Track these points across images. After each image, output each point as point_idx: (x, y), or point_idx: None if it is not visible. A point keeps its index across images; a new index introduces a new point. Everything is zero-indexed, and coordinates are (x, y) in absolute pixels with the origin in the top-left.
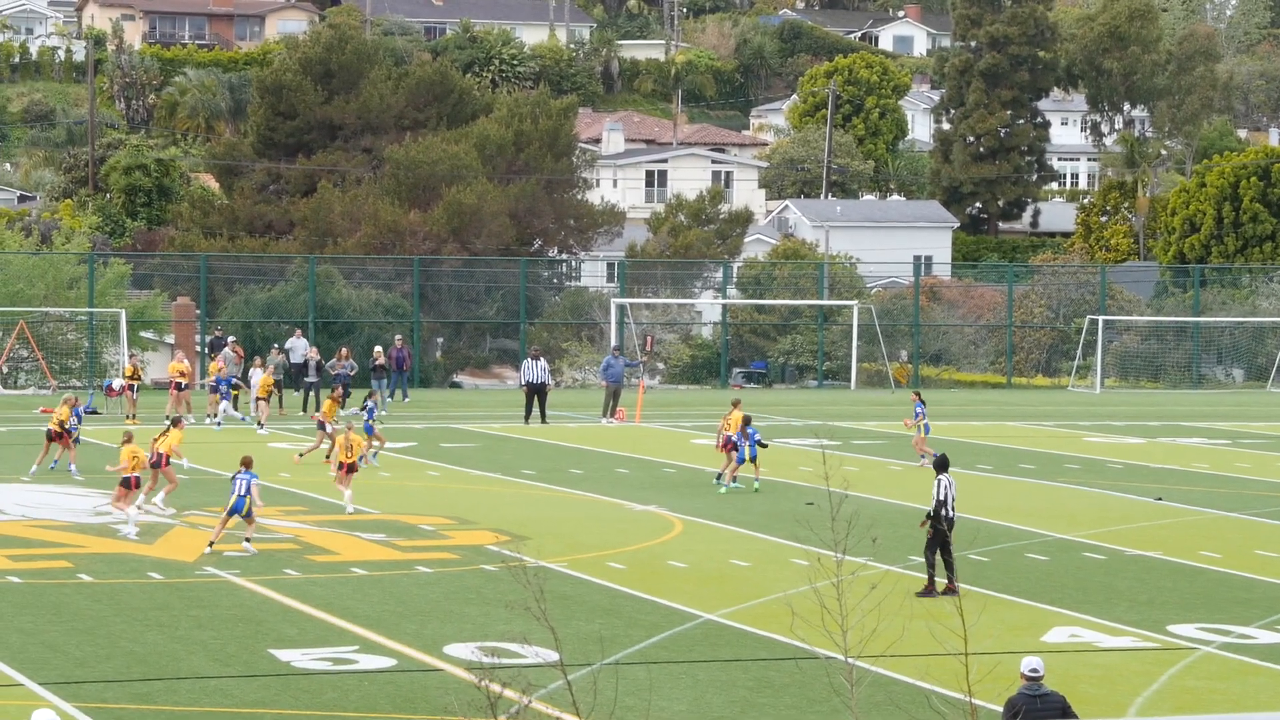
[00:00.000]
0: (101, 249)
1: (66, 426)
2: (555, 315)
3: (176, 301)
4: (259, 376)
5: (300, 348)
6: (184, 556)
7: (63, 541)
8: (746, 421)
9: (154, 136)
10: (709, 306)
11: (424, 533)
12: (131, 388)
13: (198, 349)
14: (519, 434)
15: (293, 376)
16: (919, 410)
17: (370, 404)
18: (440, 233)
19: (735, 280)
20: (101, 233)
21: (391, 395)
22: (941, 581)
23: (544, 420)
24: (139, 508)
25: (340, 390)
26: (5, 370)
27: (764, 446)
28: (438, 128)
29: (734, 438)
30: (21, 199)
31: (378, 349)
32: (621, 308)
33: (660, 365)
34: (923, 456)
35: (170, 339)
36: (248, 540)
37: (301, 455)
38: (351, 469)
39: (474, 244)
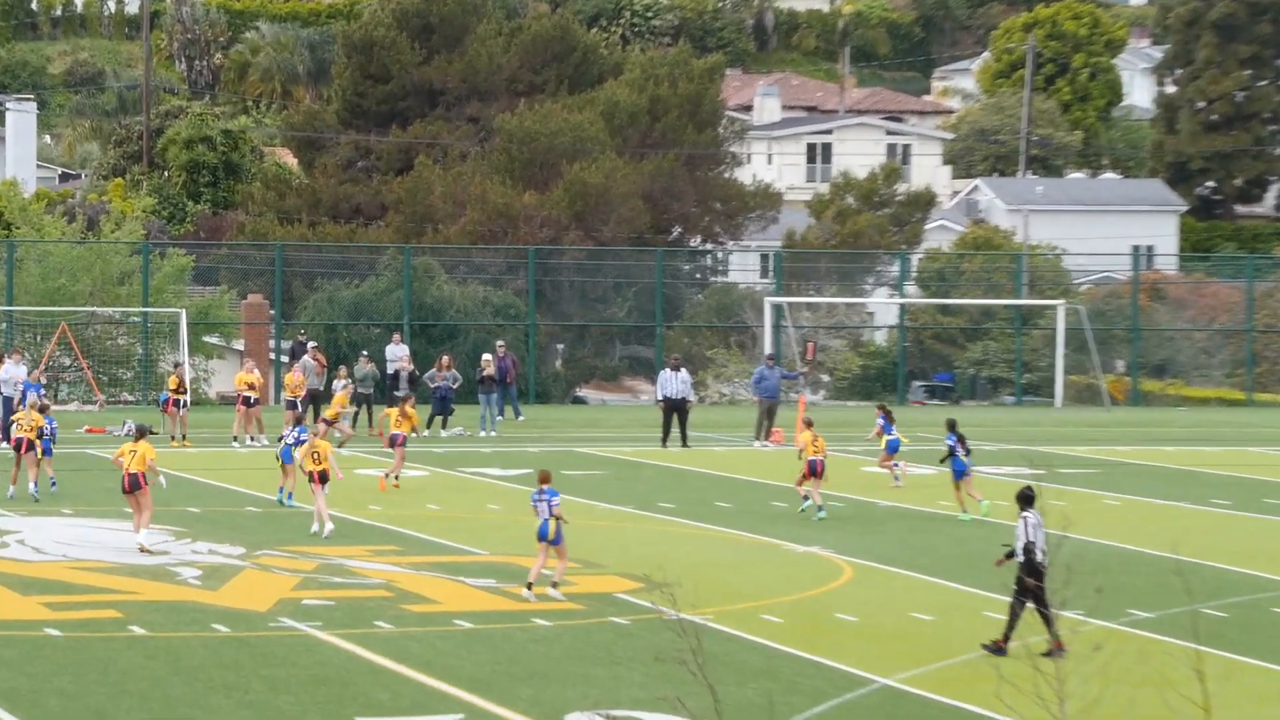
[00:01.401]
0: (158, 237)
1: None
2: (698, 317)
3: (247, 300)
4: (341, 388)
5: (397, 356)
6: (255, 605)
7: (111, 586)
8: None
9: (220, 104)
10: (883, 307)
11: (542, 576)
12: (177, 403)
13: (271, 356)
14: (655, 459)
15: (387, 389)
16: (881, 422)
17: (300, 429)
18: (560, 218)
19: (914, 275)
20: (158, 218)
21: (500, 413)
22: (1041, 639)
23: (685, 443)
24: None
25: (410, 399)
26: (44, 381)
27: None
28: (557, 93)
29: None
30: (64, 178)
31: (486, 357)
32: (777, 308)
33: (824, 377)
34: (897, 479)
35: (239, 344)
36: (554, 585)
37: (388, 475)
38: (323, 478)
39: (601, 231)
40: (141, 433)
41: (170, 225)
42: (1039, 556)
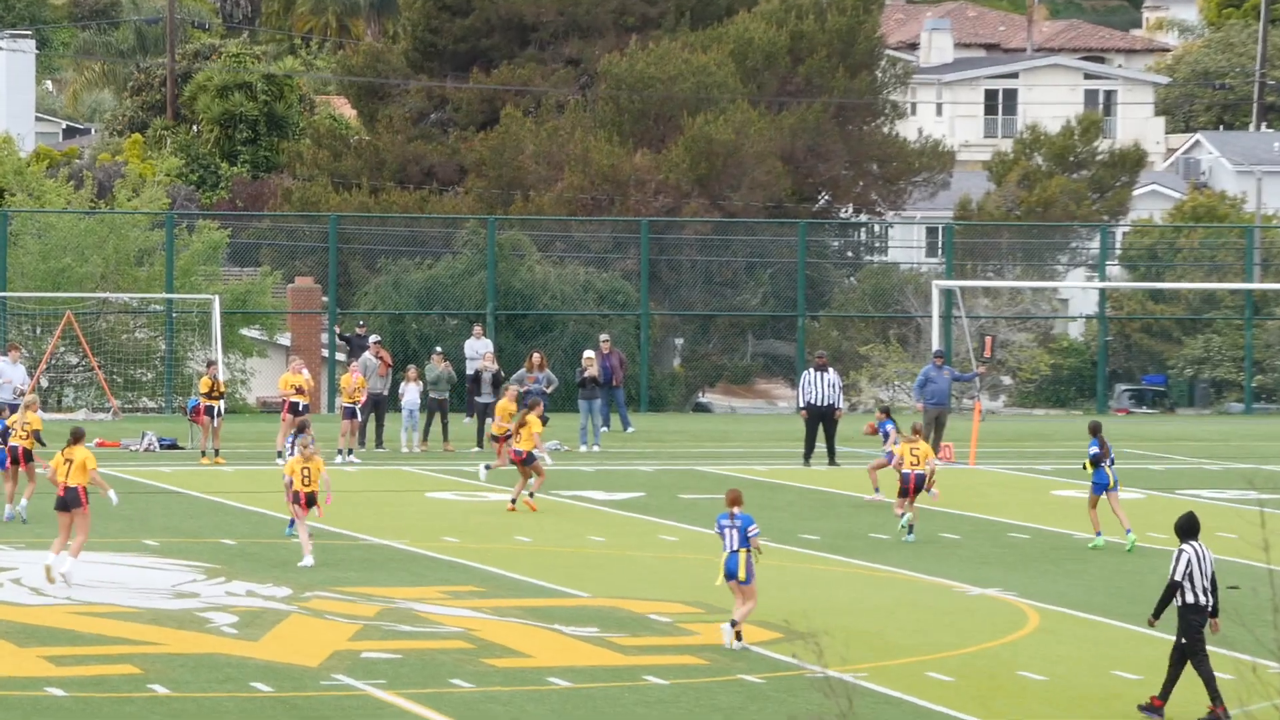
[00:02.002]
0: (185, 207)
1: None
2: (849, 305)
3: (294, 284)
4: (413, 393)
5: (478, 353)
6: (304, 659)
7: (128, 636)
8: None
9: (262, 42)
10: (1079, 292)
11: (655, 625)
12: (209, 411)
13: (324, 353)
14: (796, 480)
15: (465, 394)
16: (884, 428)
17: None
18: (680, 183)
19: (1118, 253)
20: (185, 183)
21: (605, 423)
22: (1199, 705)
23: (832, 460)
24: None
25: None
26: (44, 384)
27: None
28: (677, 28)
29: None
30: (69, 133)
31: (588, 355)
32: (948, 294)
33: (1006, 379)
34: (877, 490)
35: (285, 339)
36: (735, 634)
37: (524, 496)
38: (310, 501)
39: (729, 199)
40: (77, 437)
41: (200, 192)
42: (1192, 597)
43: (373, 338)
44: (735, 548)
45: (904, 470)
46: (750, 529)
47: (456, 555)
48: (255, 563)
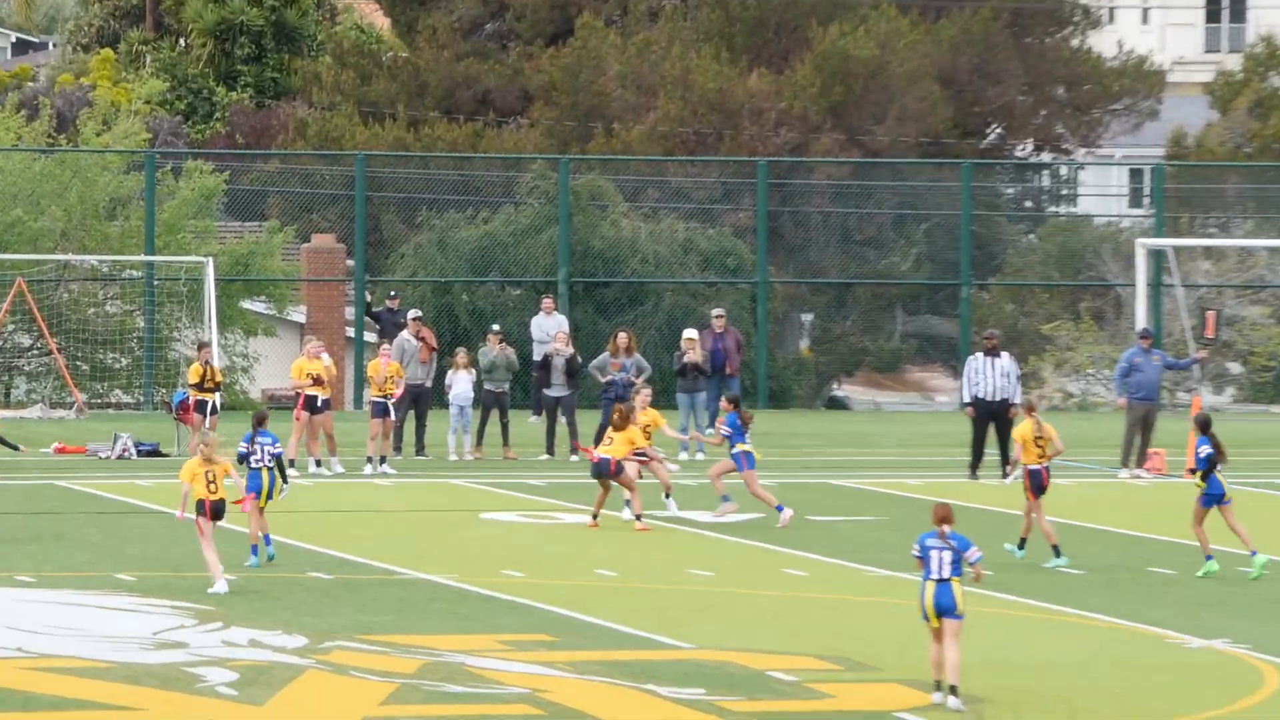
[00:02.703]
0: (170, 144)
1: None
2: (1028, 270)
3: (310, 244)
4: (463, 384)
5: (548, 332)
6: None
7: (97, 698)
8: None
9: None
10: None
11: (777, 686)
12: (201, 406)
13: (348, 332)
14: (961, 497)
15: (532, 385)
16: (728, 427)
17: (267, 438)
18: (808, 113)
19: None
20: (170, 113)
21: (712, 422)
22: None
23: (1006, 472)
24: None
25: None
26: None
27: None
28: None
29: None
30: (19, 48)
31: (689, 334)
32: (1157, 255)
33: (1233, 367)
34: (724, 498)
35: (298, 313)
36: (951, 690)
37: (639, 518)
38: (218, 512)
39: (871, 133)
40: None
41: (190, 125)
42: None
43: (411, 313)
44: (946, 575)
45: (1030, 465)
46: (970, 552)
47: (520, 594)
48: (261, 603)
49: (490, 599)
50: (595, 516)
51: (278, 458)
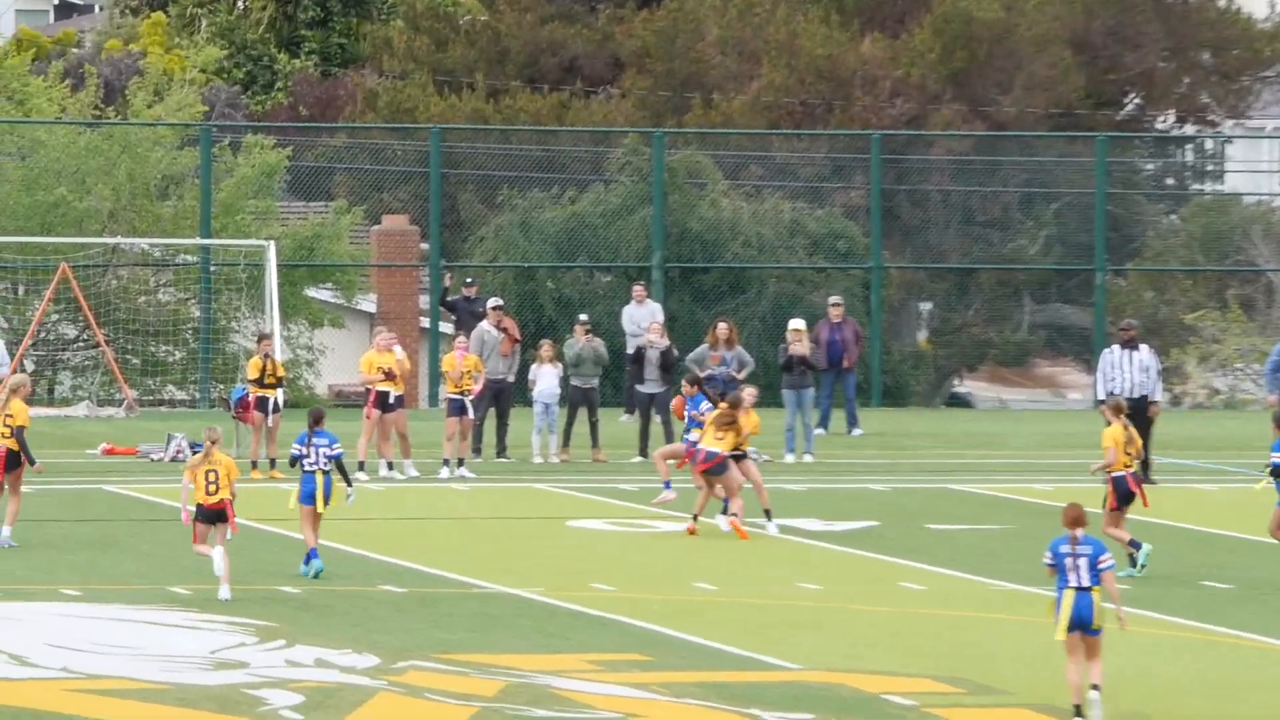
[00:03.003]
0: (228, 116)
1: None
2: (1169, 254)
3: (380, 226)
4: (548, 379)
5: (641, 323)
6: None
7: None
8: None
9: None
10: None
11: (894, 709)
12: (262, 404)
13: (422, 323)
14: (1096, 505)
15: (624, 381)
16: (691, 411)
17: (324, 438)
18: (927, 82)
19: None
20: (228, 83)
21: (823, 421)
22: None
23: (1146, 474)
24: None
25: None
26: (31, 367)
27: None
28: None
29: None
30: (63, 11)
31: (796, 325)
32: None
33: None
34: (665, 485)
35: (368, 302)
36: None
37: (736, 516)
38: (219, 517)
39: (996, 104)
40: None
41: (249, 96)
42: None
43: (491, 301)
44: (1086, 584)
45: (1114, 472)
46: (1102, 559)
47: (611, 609)
48: (328, 619)
49: (578, 615)
50: (695, 518)
51: (336, 460)
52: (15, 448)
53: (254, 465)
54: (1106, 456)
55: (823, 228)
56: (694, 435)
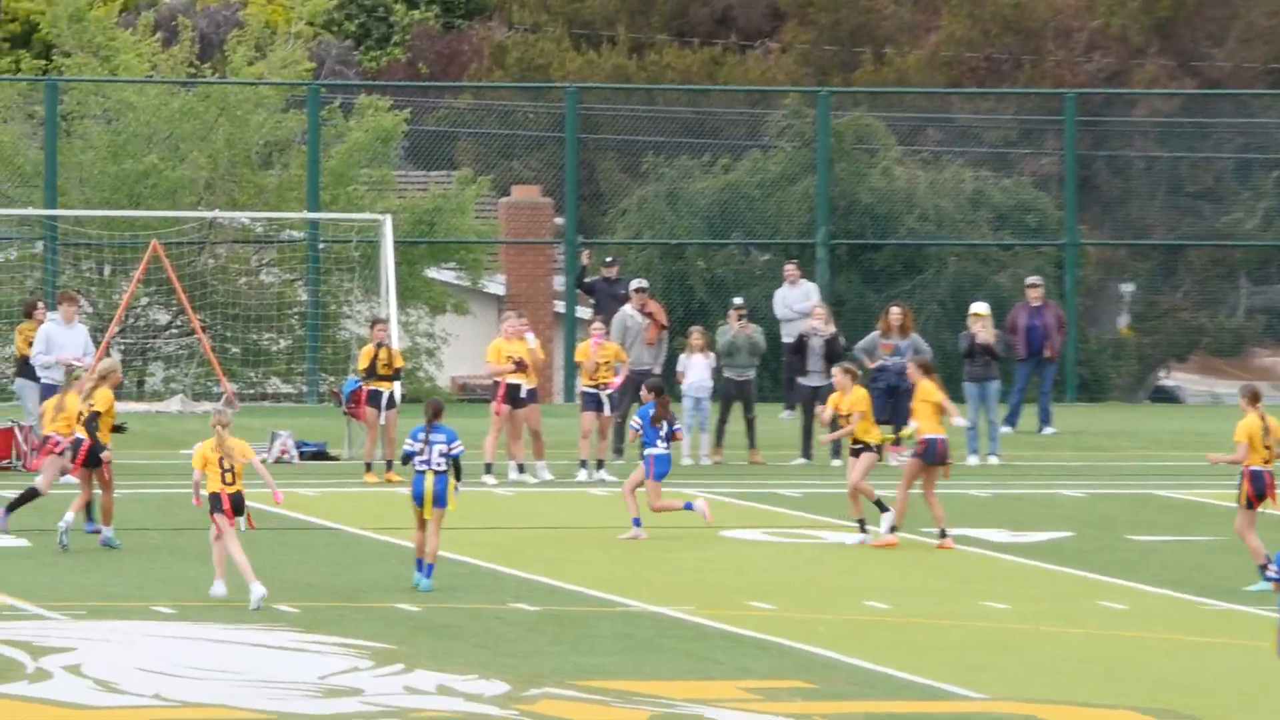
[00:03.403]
0: (339, 75)
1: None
2: None
3: (509, 197)
4: (699, 370)
5: (800, 307)
6: None
7: None
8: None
9: None
10: None
11: None
12: (376, 398)
13: (557, 307)
14: None
15: (783, 373)
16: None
17: (441, 433)
18: (1126, 33)
19: None
20: (339, 37)
21: (1011, 418)
22: None
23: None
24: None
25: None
26: (117, 355)
27: None
28: None
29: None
30: None
31: (978, 309)
32: None
33: None
34: (635, 520)
35: (496, 283)
36: None
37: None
38: (238, 507)
39: (1208, 58)
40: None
41: (363, 51)
42: None
43: (634, 283)
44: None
45: (1253, 466)
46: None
47: (770, 630)
48: (451, 640)
49: (733, 636)
50: (895, 529)
51: (454, 460)
52: (87, 433)
53: (368, 468)
54: (1238, 451)
55: (1010, 199)
56: (646, 452)
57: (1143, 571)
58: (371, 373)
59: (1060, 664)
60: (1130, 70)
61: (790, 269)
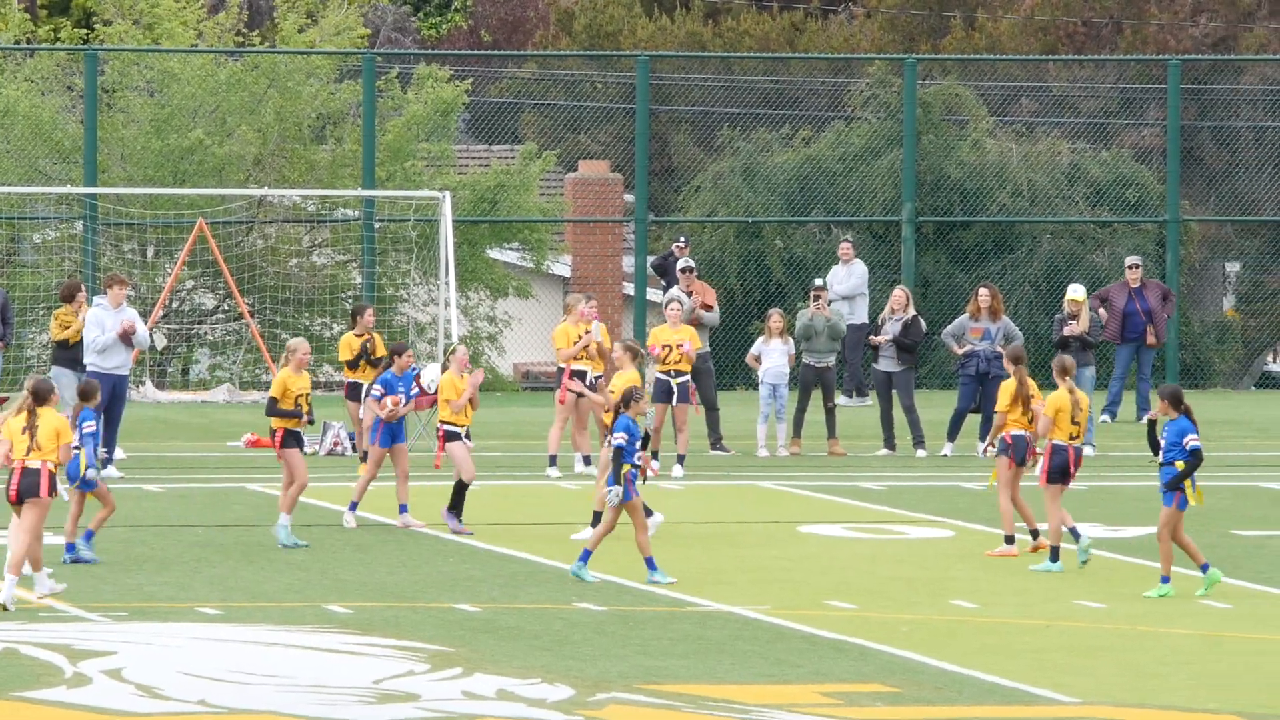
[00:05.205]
0: (396, 43)
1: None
2: None
3: (577, 172)
4: (777, 356)
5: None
6: None
7: None
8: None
9: None
10: None
11: None
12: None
13: (627, 289)
14: None
15: (859, 369)
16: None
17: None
18: None
19: None
20: (395, 3)
21: (1110, 408)
22: None
23: None
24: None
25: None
26: (160, 340)
27: None
28: None
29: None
30: None
31: (1076, 293)
32: None
33: None
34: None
35: (562, 265)
36: None
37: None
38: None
39: None
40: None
41: (421, 18)
42: None
43: (681, 263)
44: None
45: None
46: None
47: (851, 631)
48: (513, 643)
49: (811, 638)
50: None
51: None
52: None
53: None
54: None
55: (1108, 173)
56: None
57: (1247, 568)
58: (353, 364)
59: (1158, 666)
60: (1238, 34)
61: (845, 248)
